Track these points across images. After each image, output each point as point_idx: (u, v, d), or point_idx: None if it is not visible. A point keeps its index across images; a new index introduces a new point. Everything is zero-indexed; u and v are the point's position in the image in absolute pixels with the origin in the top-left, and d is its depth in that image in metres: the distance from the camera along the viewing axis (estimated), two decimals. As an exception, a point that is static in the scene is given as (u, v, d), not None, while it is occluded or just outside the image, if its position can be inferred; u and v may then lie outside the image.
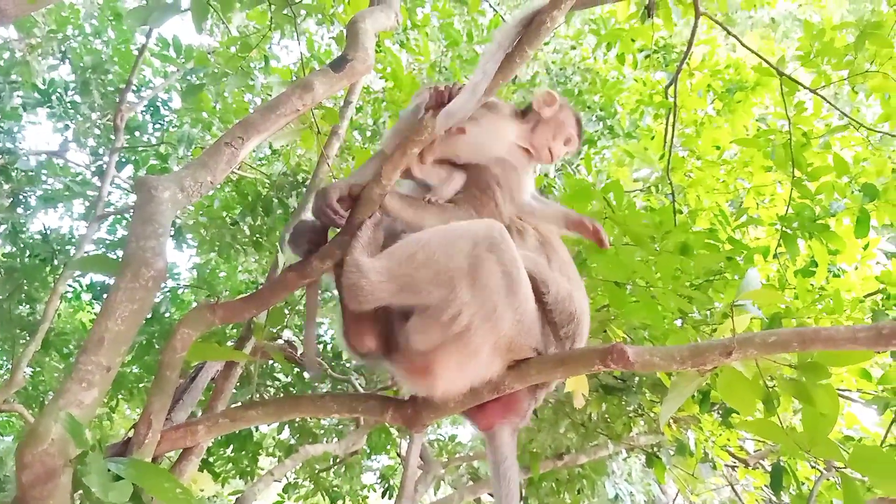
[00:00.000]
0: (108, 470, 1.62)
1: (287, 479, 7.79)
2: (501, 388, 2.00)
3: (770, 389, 1.99)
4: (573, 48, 9.73)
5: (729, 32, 4.93)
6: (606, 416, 6.06)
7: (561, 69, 9.63)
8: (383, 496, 8.50)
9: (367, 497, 8.55)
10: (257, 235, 6.78)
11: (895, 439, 4.83)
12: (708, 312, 4.70)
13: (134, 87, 8.93)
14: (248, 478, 7.50)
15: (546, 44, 10.02)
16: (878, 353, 4.11)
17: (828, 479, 4.96)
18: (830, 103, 5.17)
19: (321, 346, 7.43)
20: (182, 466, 2.34)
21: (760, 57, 5.02)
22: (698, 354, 1.82)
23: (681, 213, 5.74)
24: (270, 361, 7.24)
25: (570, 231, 2.38)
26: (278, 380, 7.77)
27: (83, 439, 1.57)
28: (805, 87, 5.06)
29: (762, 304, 2.22)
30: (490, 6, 9.05)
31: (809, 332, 1.71)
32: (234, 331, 6.71)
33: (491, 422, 2.13)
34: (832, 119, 6.42)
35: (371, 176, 2.07)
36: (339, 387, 6.59)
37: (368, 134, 7.60)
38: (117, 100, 8.40)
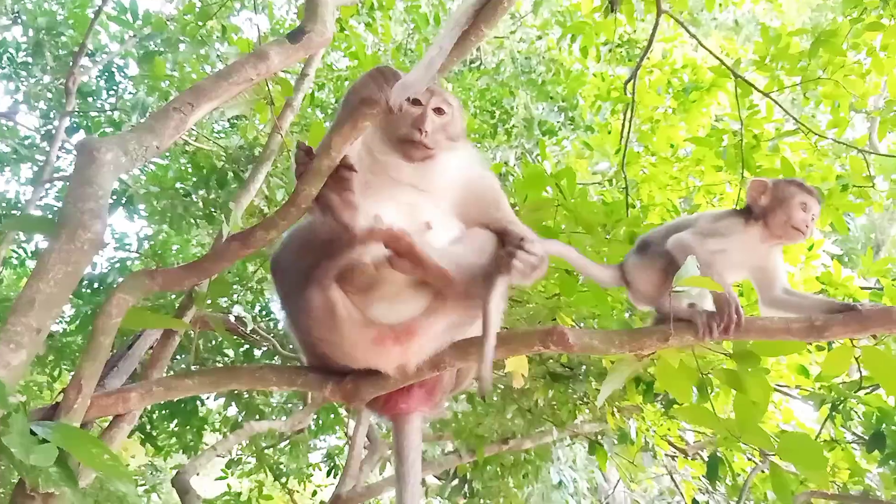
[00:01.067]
0: (33, 433, 1.58)
1: (231, 455, 7.72)
2: (442, 365, 2.01)
3: (704, 377, 2.04)
4: (539, 38, 9.77)
5: (688, 31, 5.01)
6: (553, 402, 6.15)
7: (526, 58, 9.67)
8: (328, 475, 8.49)
9: (312, 475, 8.54)
10: (211, 208, 6.66)
11: (828, 435, 5.01)
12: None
13: (89, 51, 8.66)
14: (192, 452, 7.41)
15: (512, 32, 10.04)
16: (810, 343, 4.24)
17: (762, 472, 5.12)
18: (782, 107, 5.30)
19: (270, 323, 7.36)
20: (112, 433, 2.29)
21: (717, 58, 5.11)
22: (636, 339, 1.85)
23: (634, 207, 5.82)
24: (220, 338, 7.14)
25: None
26: (227, 356, 7.68)
27: (5, 401, 1.53)
28: (758, 91, 5.17)
29: (700, 286, 2.26)
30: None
31: (745, 322, 1.76)
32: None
33: (412, 406, 2.15)
34: (784, 123, 6.57)
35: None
36: (288, 364, 6.54)
37: (329, 111, 7.51)
38: (70, 63, 8.14)
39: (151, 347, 2.91)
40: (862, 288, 5.72)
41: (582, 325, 4.43)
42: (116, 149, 2.24)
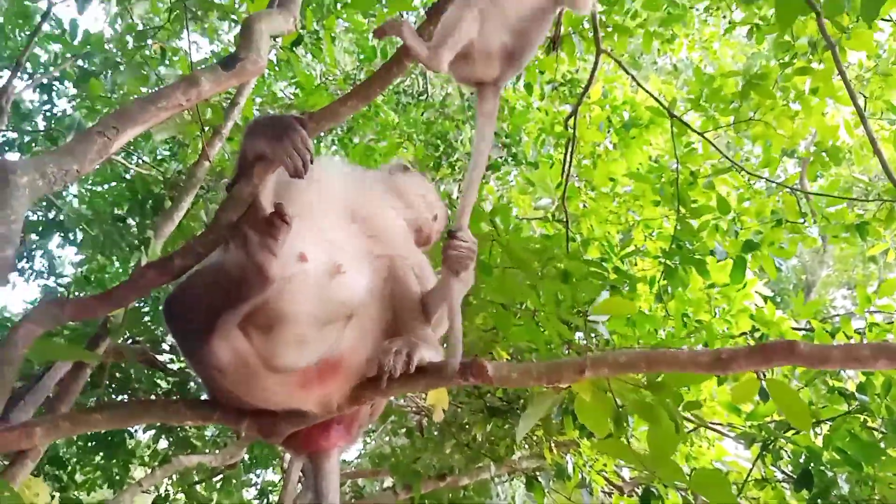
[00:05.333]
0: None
1: (159, 490, 7.43)
2: (361, 399, 1.98)
3: (620, 409, 2.06)
4: (485, 74, 9.90)
5: (626, 70, 5.16)
6: (491, 437, 6.13)
7: (472, 93, 9.79)
8: (262, 512, 8.26)
9: (245, 512, 8.28)
10: (146, 233, 6.50)
11: (759, 474, 5.10)
12: (594, 338, 4.84)
13: (25, 69, 8.43)
14: (118, 487, 7.12)
15: (460, 67, 10.16)
16: (718, 376, 4.32)
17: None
18: (715, 146, 5.49)
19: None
20: (14, 470, 2.17)
21: (654, 97, 5.27)
22: (554, 371, 1.86)
23: (574, 241, 5.91)
24: (148, 370, 6.91)
25: None
26: (160, 386, 7.44)
27: None
28: (693, 130, 5.34)
29: (613, 313, 2.30)
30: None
31: (655, 354, 1.78)
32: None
33: (331, 442, 2.08)
34: (718, 161, 6.79)
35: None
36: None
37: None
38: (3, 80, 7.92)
39: (61, 380, 2.78)
40: (794, 328, 5.90)
41: (518, 358, 4.44)
42: (33, 172, 2.15)
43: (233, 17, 5.82)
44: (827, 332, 5.19)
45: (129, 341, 5.64)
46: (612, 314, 2.05)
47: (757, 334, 5.60)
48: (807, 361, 1.73)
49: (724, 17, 8.13)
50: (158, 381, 7.27)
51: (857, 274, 15.45)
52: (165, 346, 6.60)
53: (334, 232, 2.06)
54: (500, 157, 8.65)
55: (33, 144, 8.65)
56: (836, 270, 16.04)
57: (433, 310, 2.11)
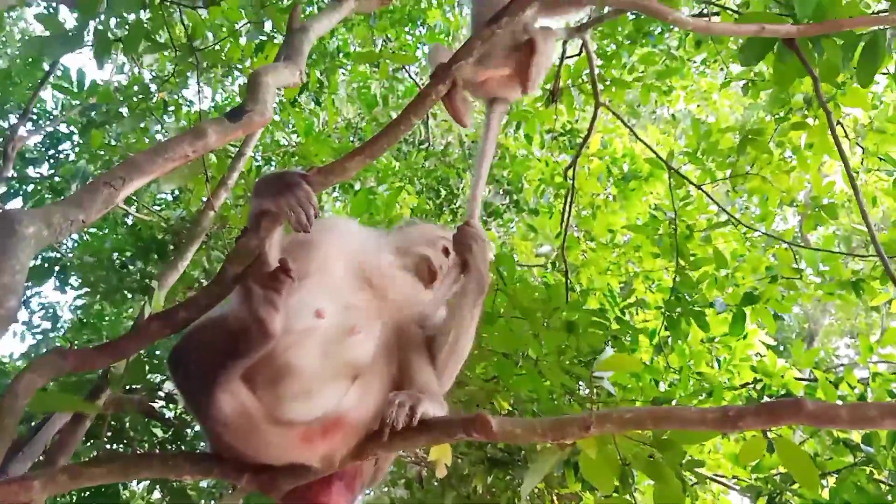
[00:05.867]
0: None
1: (152, 543, 7.27)
2: (363, 454, 1.95)
3: (626, 467, 2.04)
4: (486, 124, 10.05)
5: (624, 123, 5.24)
6: (492, 489, 6.02)
7: (473, 142, 9.93)
8: (257, 565, 8.03)
9: (239, 566, 8.06)
10: (147, 280, 6.51)
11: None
12: (596, 390, 4.80)
13: (32, 117, 8.57)
14: (110, 540, 6.94)
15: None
16: (725, 434, 4.28)
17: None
18: (713, 199, 5.53)
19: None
20: (10, 526, 2.13)
21: (652, 150, 5.34)
22: (558, 428, 1.84)
23: (574, 291, 5.91)
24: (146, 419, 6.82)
25: None
26: (156, 436, 7.33)
27: None
28: (691, 183, 5.39)
29: (618, 370, 2.29)
30: (408, 74, 9.30)
31: (662, 412, 1.77)
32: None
33: (332, 499, 2.04)
34: (718, 214, 6.83)
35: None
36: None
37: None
38: (8, 127, 8.04)
39: (60, 431, 2.75)
40: (797, 379, 5.86)
41: (518, 410, 4.40)
42: (39, 222, 2.17)
43: (237, 68, 5.94)
44: (830, 382, 5.16)
45: (127, 388, 5.59)
46: (617, 370, 2.04)
47: (759, 385, 5.56)
48: (814, 420, 1.71)
49: (722, 69, 8.28)
50: (155, 429, 7.17)
51: (859, 322, 15.40)
52: (162, 393, 6.53)
53: (352, 292, 2.09)
54: (503, 204, 8.72)
55: (39, 190, 8.73)
56: (839, 319, 15.99)
57: (442, 341, 2.15)
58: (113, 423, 6.06)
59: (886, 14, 2.68)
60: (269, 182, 1.98)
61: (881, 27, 2.73)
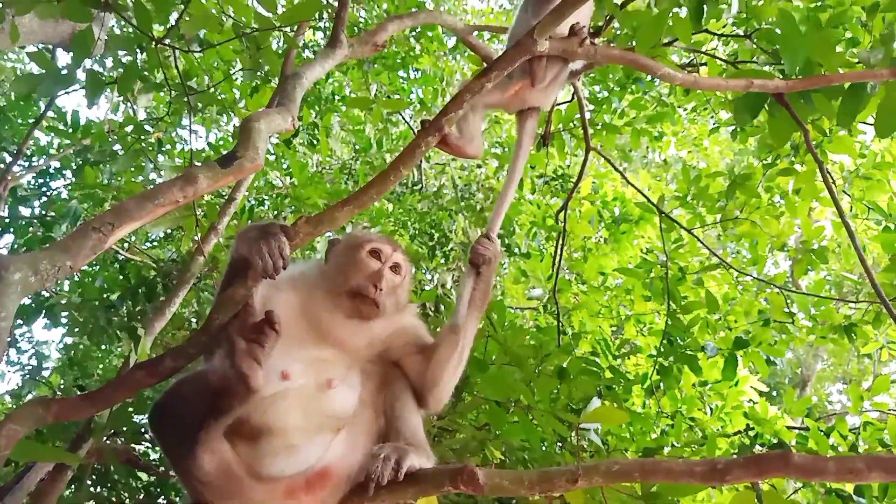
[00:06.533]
0: None
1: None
2: (352, 505, 1.92)
3: (615, 523, 2.01)
4: (479, 166, 10.16)
5: (615, 167, 5.29)
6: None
7: (466, 185, 10.00)
8: None
9: None
10: (135, 321, 6.44)
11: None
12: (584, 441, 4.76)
13: (25, 155, 8.59)
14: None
15: (453, 159, 10.42)
16: (714, 487, 4.24)
17: None
18: (704, 243, 5.56)
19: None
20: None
21: (642, 194, 5.39)
22: (546, 480, 1.82)
23: (565, 334, 5.90)
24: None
25: None
26: (140, 480, 7.18)
27: None
28: (682, 227, 5.43)
29: (605, 422, 2.27)
30: (403, 120, 9.41)
31: (649, 464, 1.76)
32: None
33: None
34: (710, 258, 6.86)
35: None
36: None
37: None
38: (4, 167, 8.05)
39: (42, 479, 2.69)
40: (788, 427, 5.82)
41: (510, 459, 4.34)
42: (26, 268, 2.16)
43: (231, 110, 5.99)
44: (821, 431, 5.12)
45: (111, 432, 5.50)
46: (604, 423, 2.02)
47: (751, 433, 5.52)
48: (802, 473, 1.70)
49: (712, 116, 8.41)
50: (140, 472, 7.04)
51: (851, 368, 15.38)
52: (148, 436, 6.42)
53: (316, 347, 2.06)
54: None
55: (29, 227, 8.69)
56: (832, 364, 15.96)
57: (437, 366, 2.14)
58: (97, 466, 5.96)
59: (875, 70, 2.73)
60: (250, 230, 2.00)
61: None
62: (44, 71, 3.31)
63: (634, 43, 3.64)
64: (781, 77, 2.70)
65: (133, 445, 5.75)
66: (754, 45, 4.54)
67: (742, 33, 5.04)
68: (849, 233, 2.87)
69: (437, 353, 2.13)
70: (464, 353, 2.20)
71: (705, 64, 6.01)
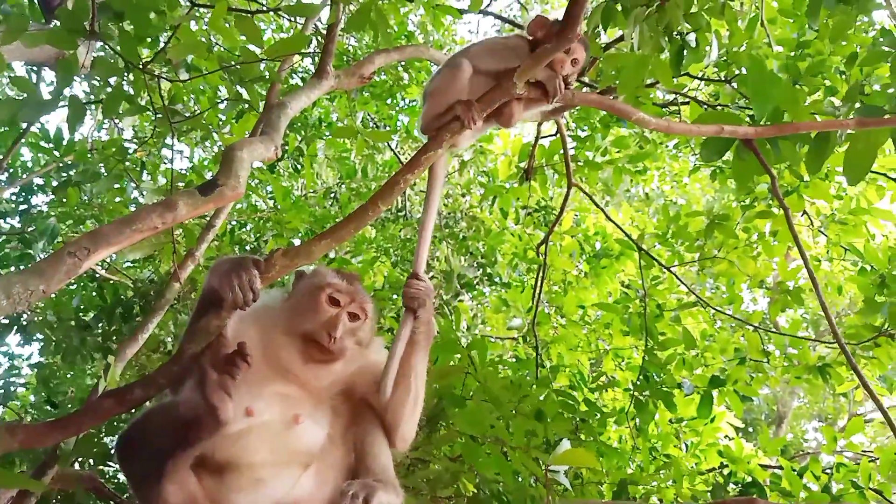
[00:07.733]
0: None
1: None
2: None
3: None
4: (463, 195, 10.21)
5: (596, 204, 5.36)
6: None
7: (450, 213, 10.04)
8: None
9: None
10: (110, 341, 6.37)
11: None
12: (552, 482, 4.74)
13: (6, 170, 8.51)
14: None
15: (439, 186, 10.47)
16: None
17: None
18: (682, 281, 5.62)
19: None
20: None
21: (622, 230, 5.45)
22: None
23: (543, 367, 5.91)
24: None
25: None
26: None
27: None
28: (660, 264, 5.49)
29: (574, 464, 2.27)
30: (389, 148, 9.47)
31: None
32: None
33: None
34: (685, 295, 6.92)
35: None
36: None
37: (248, 249, 7.51)
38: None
39: (9, 501, 2.64)
40: (762, 466, 5.84)
41: (484, 491, 4.32)
42: (-1, 292, 2.15)
43: (215, 133, 5.99)
44: (795, 471, 5.14)
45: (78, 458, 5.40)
46: (573, 465, 2.02)
47: (725, 471, 5.53)
48: (768, 521, 1.72)
49: (694, 154, 8.55)
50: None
51: (827, 406, 15.47)
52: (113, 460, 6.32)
53: (280, 382, 2.05)
54: (476, 276, 8.75)
55: (7, 246, 8.60)
56: (808, 402, 16.06)
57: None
58: (60, 493, 5.85)
59: (841, 118, 2.81)
60: (223, 262, 2.01)
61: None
62: (26, 95, 3.30)
63: (617, 83, 3.73)
64: (751, 122, 2.76)
65: (101, 468, 5.65)
66: (734, 89, 4.64)
67: (723, 78, 5.16)
68: (812, 280, 2.92)
69: (391, 401, 2.11)
70: (419, 395, 2.19)
71: (687, 103, 6.12)
